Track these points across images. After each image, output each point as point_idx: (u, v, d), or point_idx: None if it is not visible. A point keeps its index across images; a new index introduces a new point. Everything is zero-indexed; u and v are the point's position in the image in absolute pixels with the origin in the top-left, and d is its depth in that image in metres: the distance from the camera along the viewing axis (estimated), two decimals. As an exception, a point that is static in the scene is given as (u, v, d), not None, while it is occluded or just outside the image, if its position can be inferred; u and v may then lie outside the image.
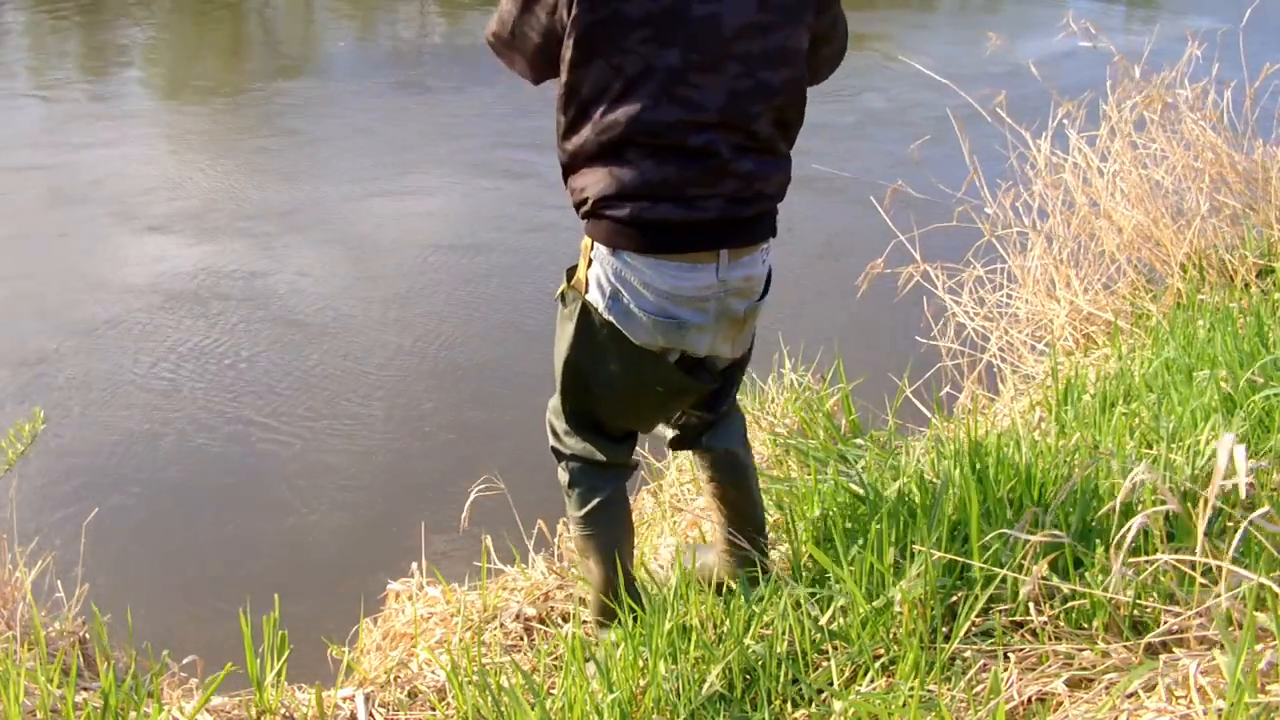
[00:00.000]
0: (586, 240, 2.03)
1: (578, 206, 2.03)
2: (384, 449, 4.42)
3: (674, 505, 3.20)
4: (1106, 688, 1.66)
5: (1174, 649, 1.71)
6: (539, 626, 2.49)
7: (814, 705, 1.81)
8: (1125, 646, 1.74)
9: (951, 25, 11.90)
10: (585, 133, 1.95)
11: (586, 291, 2.05)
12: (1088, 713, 1.62)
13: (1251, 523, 1.67)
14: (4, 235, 6.43)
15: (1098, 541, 2.00)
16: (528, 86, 2.14)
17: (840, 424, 3.25)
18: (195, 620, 3.39)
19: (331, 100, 9.18)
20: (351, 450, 4.40)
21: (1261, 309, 3.05)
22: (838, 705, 1.77)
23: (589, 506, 2.19)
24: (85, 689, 2.20)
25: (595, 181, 1.96)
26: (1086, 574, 1.88)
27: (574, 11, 1.87)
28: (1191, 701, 1.56)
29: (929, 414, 3.42)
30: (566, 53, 1.91)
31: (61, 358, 5.03)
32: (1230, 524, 1.87)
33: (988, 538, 1.98)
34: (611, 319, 2.02)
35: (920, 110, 7.42)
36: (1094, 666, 1.73)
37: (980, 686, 1.75)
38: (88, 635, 2.59)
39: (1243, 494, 1.62)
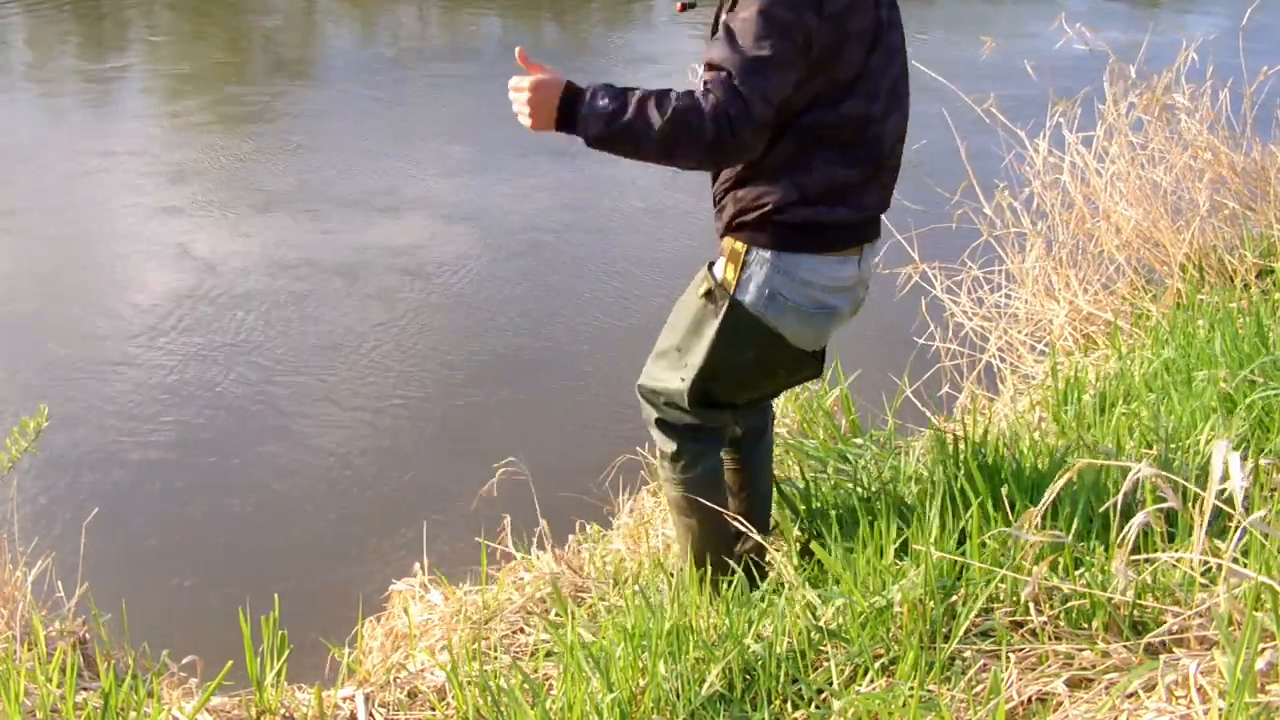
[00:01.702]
0: (739, 245, 2.19)
1: (741, 214, 2.18)
2: (385, 449, 4.42)
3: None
4: (1106, 688, 1.66)
5: (1174, 649, 1.71)
6: (540, 625, 2.49)
7: (814, 705, 1.81)
8: (1125, 646, 1.74)
9: (951, 25, 11.91)
10: (785, 141, 2.10)
11: (735, 291, 2.20)
12: (1088, 713, 1.62)
13: (1250, 525, 1.67)
14: (5, 236, 6.43)
15: (1098, 541, 2.00)
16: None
17: (840, 424, 3.26)
18: (195, 620, 3.39)
19: (329, 101, 9.18)
20: (352, 450, 4.40)
21: (1261, 309, 3.05)
22: (837, 705, 1.77)
23: (696, 471, 2.34)
24: (85, 689, 2.20)
25: (777, 191, 2.13)
26: (1086, 574, 1.88)
27: (819, 36, 2.03)
28: (1191, 701, 1.56)
29: (929, 414, 3.42)
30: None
31: (61, 358, 5.03)
32: (1230, 524, 1.87)
33: (987, 537, 1.98)
34: (766, 316, 2.20)
35: (918, 110, 7.41)
36: (1094, 666, 1.73)
37: (980, 686, 1.75)
38: (88, 635, 2.59)
39: (1239, 502, 1.62)
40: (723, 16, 2.10)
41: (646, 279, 5.85)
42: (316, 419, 4.60)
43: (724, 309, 2.20)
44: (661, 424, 2.36)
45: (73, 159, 7.62)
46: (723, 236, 2.24)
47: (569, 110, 2.03)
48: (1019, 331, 4.07)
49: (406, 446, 4.44)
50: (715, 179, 2.26)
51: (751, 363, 2.28)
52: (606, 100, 2.01)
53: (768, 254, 2.17)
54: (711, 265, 2.26)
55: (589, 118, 2.02)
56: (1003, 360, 4.03)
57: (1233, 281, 3.80)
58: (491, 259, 6.13)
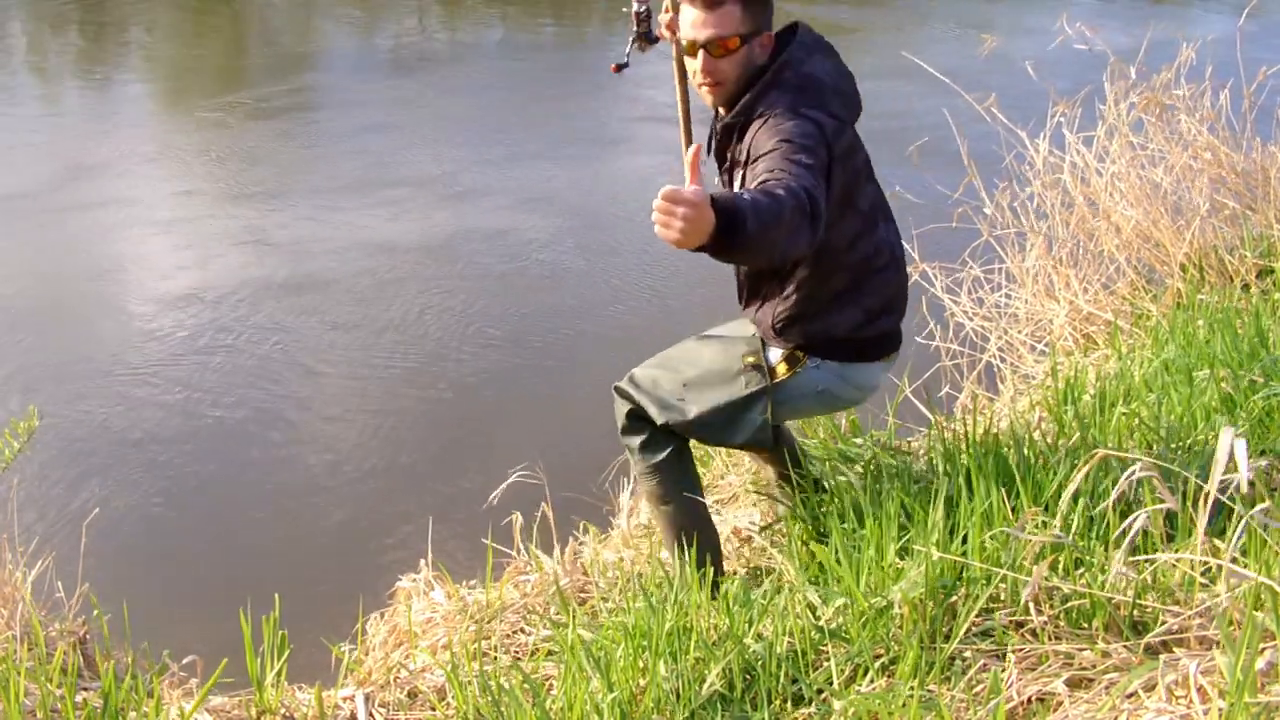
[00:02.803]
0: (800, 354, 2.38)
1: (811, 336, 2.36)
2: (389, 447, 4.42)
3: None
4: (1106, 688, 1.66)
5: (1174, 649, 1.71)
6: (541, 625, 2.49)
7: (814, 705, 1.81)
8: (1125, 646, 1.74)
9: (952, 23, 11.90)
10: (840, 276, 2.31)
11: (780, 385, 2.39)
12: (1088, 713, 1.62)
13: (1251, 518, 1.67)
14: (5, 238, 6.43)
15: (1097, 541, 2.00)
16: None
17: (840, 423, 3.25)
18: (195, 620, 3.38)
19: (326, 104, 9.18)
20: (356, 448, 4.40)
21: (1261, 309, 3.05)
22: (838, 705, 1.77)
23: (664, 455, 2.48)
24: (85, 689, 2.20)
25: (848, 317, 2.34)
26: (1086, 574, 1.88)
27: (834, 179, 2.18)
28: (1191, 701, 1.56)
29: (929, 414, 3.42)
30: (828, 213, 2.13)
31: (61, 359, 5.03)
32: (1229, 523, 1.87)
33: (987, 537, 1.98)
34: (786, 405, 2.42)
35: (918, 110, 7.42)
36: (1094, 666, 1.73)
37: (980, 686, 1.75)
38: (88, 635, 2.59)
39: (1244, 488, 1.62)
40: (738, 173, 2.24)
41: (649, 281, 5.85)
42: (319, 418, 4.60)
43: (756, 389, 2.39)
44: (632, 417, 2.50)
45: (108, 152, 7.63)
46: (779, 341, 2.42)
47: (724, 236, 1.82)
48: (1019, 331, 4.07)
49: (410, 445, 4.44)
50: (754, 299, 2.44)
51: (738, 442, 2.47)
52: (753, 223, 1.85)
53: (835, 364, 2.39)
54: (764, 344, 2.43)
55: (739, 240, 1.85)
56: (1003, 360, 4.03)
57: (1233, 281, 3.80)
58: (511, 266, 6.13)
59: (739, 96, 2.24)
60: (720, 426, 2.42)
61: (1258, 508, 1.67)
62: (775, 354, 2.40)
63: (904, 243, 2.48)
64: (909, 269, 2.62)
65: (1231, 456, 1.60)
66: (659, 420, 2.44)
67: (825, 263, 2.28)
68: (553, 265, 6.08)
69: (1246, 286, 3.72)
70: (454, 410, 4.70)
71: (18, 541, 2.71)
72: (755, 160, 2.13)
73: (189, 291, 5.68)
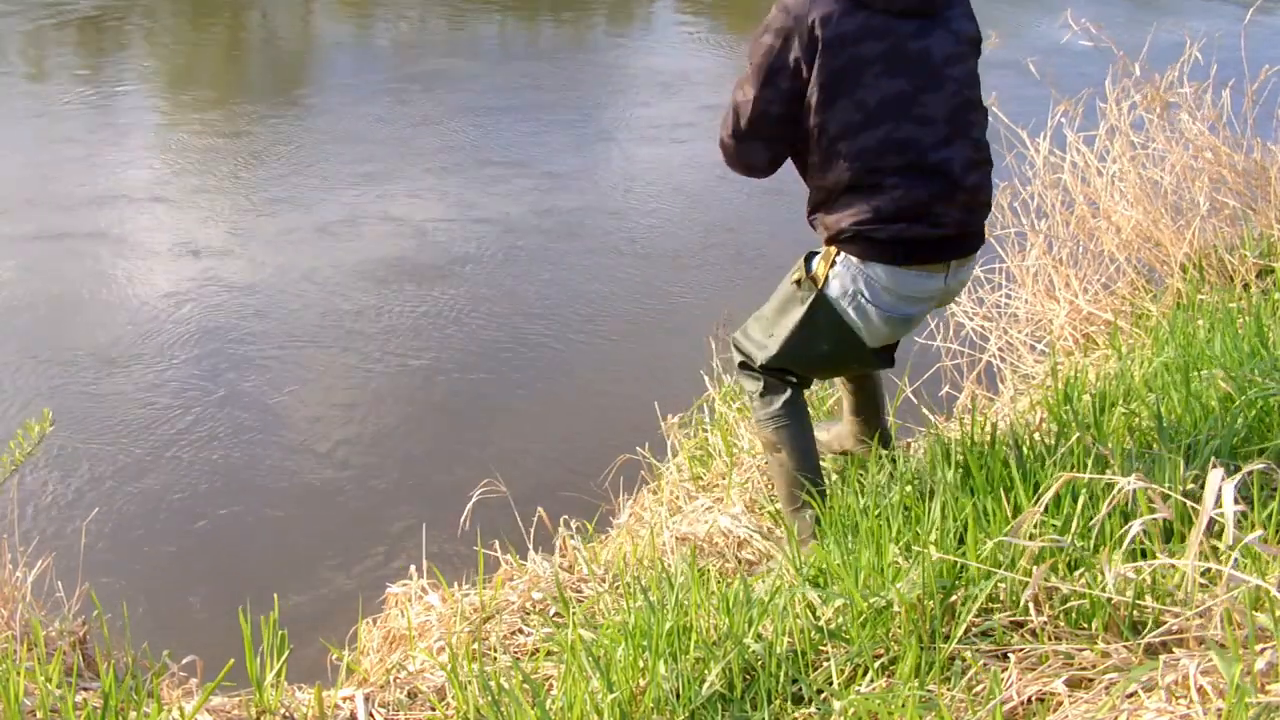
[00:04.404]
0: (832, 250, 2.44)
1: (832, 230, 2.41)
2: (384, 449, 4.42)
3: (673, 505, 3.20)
4: (1106, 688, 1.66)
5: (1174, 649, 1.71)
6: (540, 625, 2.49)
7: (814, 705, 1.81)
8: (1125, 646, 1.74)
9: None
10: (840, 166, 2.36)
11: (824, 287, 2.45)
12: (1088, 713, 1.62)
13: (1247, 544, 1.67)
14: (7, 236, 6.43)
15: (1096, 544, 2.00)
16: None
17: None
18: (195, 620, 3.39)
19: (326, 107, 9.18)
20: (353, 450, 4.40)
21: (1261, 309, 3.05)
22: (837, 705, 1.77)
23: (778, 405, 2.62)
24: (85, 689, 2.20)
25: (855, 212, 2.37)
26: (1086, 575, 1.88)
27: (817, 63, 2.29)
28: (1191, 701, 1.56)
29: (929, 414, 3.42)
30: (812, 99, 2.32)
31: (62, 358, 5.03)
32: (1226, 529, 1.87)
33: (986, 538, 1.98)
34: (848, 314, 2.45)
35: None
36: (1094, 666, 1.73)
37: (980, 686, 1.75)
38: (88, 635, 2.59)
39: (1229, 536, 1.63)
40: None
41: (646, 283, 5.85)
42: (317, 418, 4.60)
43: (809, 300, 2.47)
44: (745, 368, 2.68)
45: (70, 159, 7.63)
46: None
47: None
48: (1019, 331, 4.07)
49: (407, 447, 4.44)
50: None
51: (826, 354, 2.56)
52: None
53: (855, 261, 2.41)
54: (810, 257, 2.51)
55: None
56: (1003, 360, 4.02)
57: (1233, 281, 3.80)
58: (505, 265, 6.13)
59: None
60: (804, 350, 2.54)
61: (1252, 535, 1.67)
62: (815, 260, 2.50)
63: (966, 167, 2.42)
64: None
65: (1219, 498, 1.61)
66: (758, 361, 2.61)
67: (823, 149, 2.36)
68: (528, 265, 6.08)
69: (1246, 286, 3.72)
70: (453, 410, 4.70)
71: (18, 541, 2.71)
72: None
73: (187, 294, 5.68)
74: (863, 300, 2.42)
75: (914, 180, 2.35)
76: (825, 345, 2.52)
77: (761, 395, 2.65)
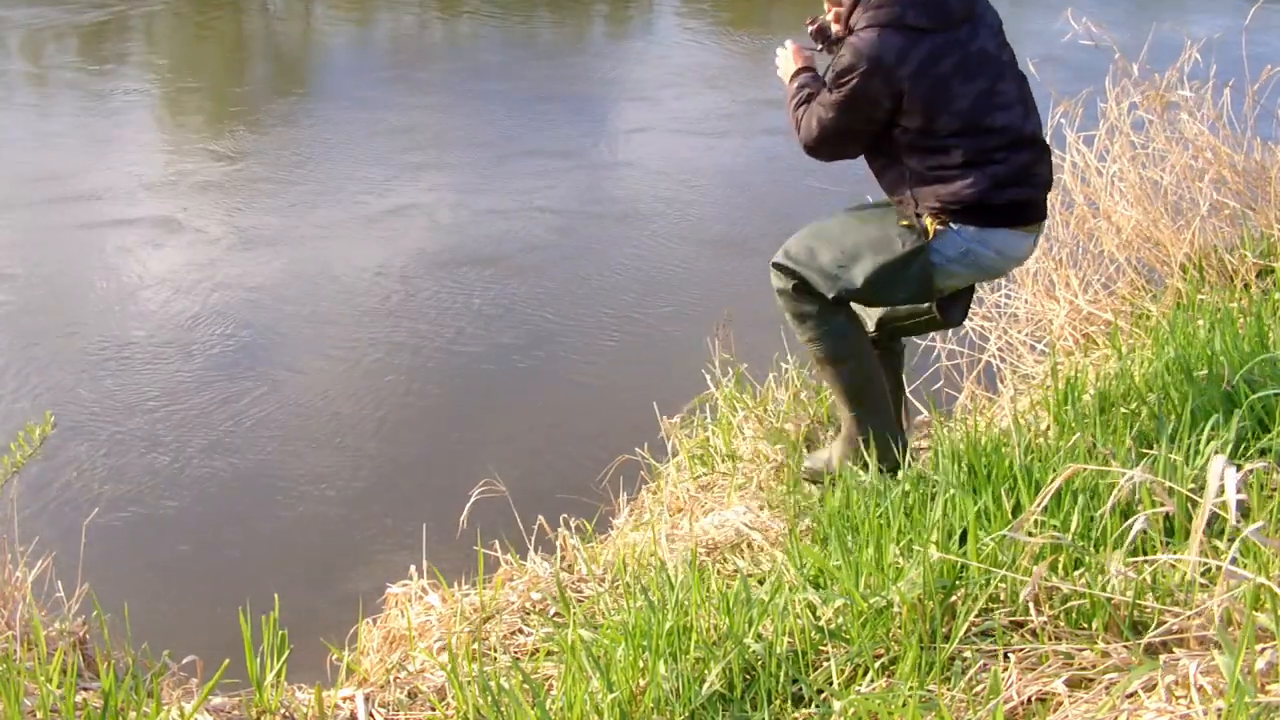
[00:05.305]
0: (938, 223, 2.71)
1: (943, 201, 2.68)
2: (384, 449, 4.42)
3: (673, 505, 3.20)
4: (1106, 688, 1.66)
5: (1174, 649, 1.71)
6: (539, 625, 2.49)
7: (814, 705, 1.81)
8: (1125, 646, 1.74)
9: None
10: (955, 154, 2.66)
11: (933, 241, 2.71)
12: (1088, 713, 1.62)
13: (1247, 536, 1.67)
14: (9, 236, 6.43)
15: (1097, 541, 2.00)
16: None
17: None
18: (195, 620, 3.39)
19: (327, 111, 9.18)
20: (351, 450, 4.40)
21: (1261, 309, 3.05)
22: (838, 705, 1.77)
23: (835, 322, 2.83)
24: (85, 689, 2.20)
25: (973, 183, 2.67)
26: (1086, 574, 1.88)
27: (906, 94, 2.62)
28: (1191, 701, 1.55)
29: (929, 414, 3.42)
30: (912, 122, 2.65)
31: (61, 359, 5.03)
32: (1228, 523, 1.87)
33: (986, 538, 1.98)
34: (944, 267, 2.73)
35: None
36: (1094, 666, 1.73)
37: (980, 686, 1.75)
38: (88, 635, 2.59)
39: (1232, 519, 1.62)
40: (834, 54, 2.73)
41: (642, 286, 5.85)
42: (317, 418, 4.60)
43: (914, 246, 2.71)
44: (797, 290, 2.83)
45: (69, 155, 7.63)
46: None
47: (790, 82, 2.92)
48: (1019, 331, 4.07)
49: (407, 448, 4.44)
50: (882, 180, 2.83)
51: (898, 298, 2.84)
52: (797, 86, 2.88)
53: (971, 229, 2.71)
54: (909, 207, 2.75)
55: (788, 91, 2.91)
56: (1003, 360, 4.02)
57: (1233, 281, 3.80)
58: (503, 266, 6.13)
59: (847, 14, 2.72)
60: (884, 284, 2.75)
61: (1251, 527, 1.66)
62: (924, 219, 2.73)
63: (1039, 128, 2.81)
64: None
65: (1222, 487, 1.60)
66: (829, 295, 2.78)
67: (933, 144, 2.67)
68: (536, 265, 6.08)
69: (1247, 286, 3.71)
70: (453, 411, 4.70)
71: (18, 541, 2.70)
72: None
73: (182, 297, 5.68)
74: (974, 256, 2.73)
75: (1018, 150, 2.71)
76: (903, 293, 2.79)
77: (818, 314, 2.83)
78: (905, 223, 2.75)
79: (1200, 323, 3.14)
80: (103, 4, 11.81)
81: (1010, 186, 2.70)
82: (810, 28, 2.92)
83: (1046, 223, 2.92)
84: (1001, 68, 2.73)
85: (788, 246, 2.86)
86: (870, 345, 2.95)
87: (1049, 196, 2.92)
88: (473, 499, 3.06)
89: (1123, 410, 2.60)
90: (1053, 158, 2.88)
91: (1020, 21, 11.04)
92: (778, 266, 2.86)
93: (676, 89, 9.29)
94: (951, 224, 2.72)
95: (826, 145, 2.79)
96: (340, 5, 13.01)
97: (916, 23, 2.60)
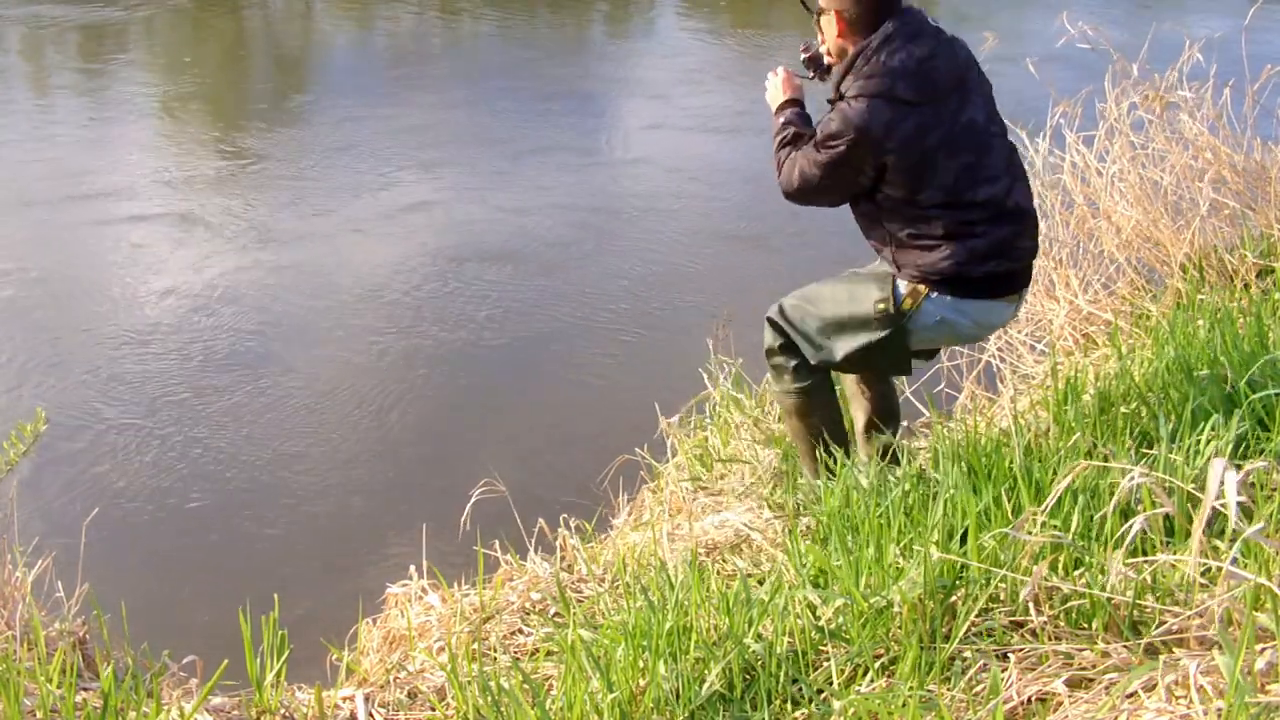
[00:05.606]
0: (922, 288, 2.71)
1: (925, 269, 2.69)
2: (384, 449, 4.42)
3: (673, 505, 3.20)
4: (1106, 688, 1.66)
5: (1174, 649, 1.71)
6: (539, 625, 2.49)
7: (814, 705, 1.81)
8: (1125, 646, 1.73)
9: (952, 21, 11.90)
10: (935, 224, 2.66)
11: (910, 318, 2.73)
12: (1088, 713, 1.62)
13: (1248, 537, 1.67)
14: (21, 234, 6.43)
15: (1097, 542, 2.00)
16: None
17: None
18: (195, 620, 3.39)
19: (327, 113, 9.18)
20: (351, 450, 4.40)
21: (1261, 309, 3.04)
22: (837, 705, 1.77)
23: (813, 378, 2.89)
24: (85, 689, 2.20)
25: (950, 254, 2.67)
26: (1086, 574, 1.87)
27: (890, 165, 2.62)
28: (1191, 701, 1.55)
29: (929, 414, 3.42)
30: (896, 191, 2.66)
31: (61, 359, 5.03)
32: (1229, 522, 1.87)
33: (987, 537, 1.98)
34: (920, 333, 2.76)
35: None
36: (1094, 666, 1.73)
37: (980, 686, 1.75)
38: (87, 635, 2.59)
39: (1232, 520, 1.62)
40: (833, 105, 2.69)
41: (644, 289, 5.85)
42: (317, 418, 4.60)
43: (891, 329, 2.74)
44: (783, 347, 2.89)
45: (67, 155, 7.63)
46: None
47: (776, 116, 2.89)
48: (1019, 331, 4.07)
49: (407, 448, 4.44)
50: (869, 239, 2.83)
51: (880, 364, 2.87)
52: (782, 123, 2.86)
53: (949, 298, 2.72)
54: (895, 282, 2.74)
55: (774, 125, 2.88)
56: (1003, 360, 4.03)
57: (1233, 281, 3.80)
58: (504, 269, 6.13)
59: (840, 75, 2.71)
60: (862, 361, 2.82)
61: (1252, 527, 1.66)
62: (903, 287, 2.74)
63: (1027, 199, 2.80)
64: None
65: (1222, 489, 1.60)
66: (813, 361, 2.85)
67: (915, 213, 2.67)
68: (538, 265, 6.08)
69: (1247, 286, 3.71)
70: (453, 411, 4.70)
71: (18, 541, 2.71)
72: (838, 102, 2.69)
73: (182, 296, 5.68)
74: (949, 324, 2.74)
75: (999, 223, 2.70)
76: (885, 361, 2.83)
77: (795, 369, 2.89)
78: (882, 305, 2.76)
79: (1200, 323, 3.14)
80: (105, 2, 11.81)
81: (990, 259, 2.69)
82: (804, 55, 2.89)
83: (1028, 290, 2.93)
84: (989, 139, 2.72)
85: (784, 305, 2.89)
86: (837, 407, 3.01)
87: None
88: (473, 499, 3.06)
89: (1123, 410, 2.60)
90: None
91: (1020, 21, 11.04)
92: (772, 323, 2.90)
93: (687, 86, 9.29)
94: (930, 292, 2.73)
95: (805, 196, 2.80)
96: (340, 5, 13.01)
97: (905, 95, 2.59)
